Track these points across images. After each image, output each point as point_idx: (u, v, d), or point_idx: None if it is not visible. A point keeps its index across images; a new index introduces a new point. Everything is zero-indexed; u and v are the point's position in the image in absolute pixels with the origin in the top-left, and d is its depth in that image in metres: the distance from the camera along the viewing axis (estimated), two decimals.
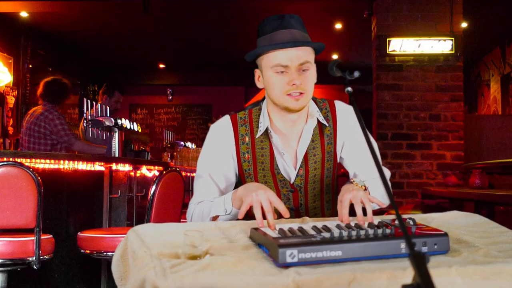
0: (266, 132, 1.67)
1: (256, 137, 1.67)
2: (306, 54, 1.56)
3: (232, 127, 1.70)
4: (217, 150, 1.70)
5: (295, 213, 1.71)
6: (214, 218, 1.58)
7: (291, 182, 1.69)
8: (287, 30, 1.56)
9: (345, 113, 1.73)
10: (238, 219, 1.70)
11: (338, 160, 1.77)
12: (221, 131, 1.71)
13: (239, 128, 1.70)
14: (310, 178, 1.70)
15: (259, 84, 1.68)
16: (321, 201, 1.74)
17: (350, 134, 1.72)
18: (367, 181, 1.62)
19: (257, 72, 1.67)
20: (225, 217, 1.56)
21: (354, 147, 1.72)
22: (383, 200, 1.59)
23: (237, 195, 1.49)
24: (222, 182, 1.69)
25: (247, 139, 1.69)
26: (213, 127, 1.74)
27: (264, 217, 1.29)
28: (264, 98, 1.73)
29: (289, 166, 1.68)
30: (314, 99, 1.73)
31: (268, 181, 1.68)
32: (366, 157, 1.70)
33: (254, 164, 1.68)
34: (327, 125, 1.70)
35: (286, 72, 1.56)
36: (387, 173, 1.77)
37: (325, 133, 1.70)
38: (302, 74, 1.56)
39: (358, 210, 1.31)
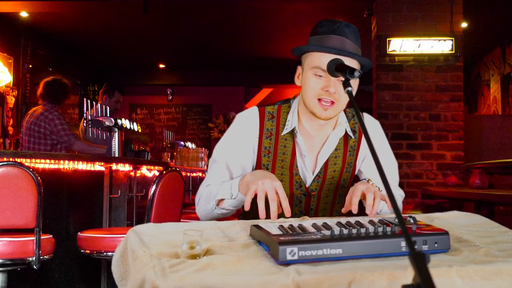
0: (292, 131, 1.66)
1: (281, 134, 1.66)
2: (350, 66, 1.53)
3: (258, 120, 1.68)
4: (240, 140, 1.68)
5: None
6: (220, 202, 1.58)
7: (307, 186, 1.68)
8: (338, 36, 1.55)
9: (372, 127, 1.74)
10: (244, 217, 1.70)
11: (356, 173, 1.77)
12: (247, 122, 1.69)
13: (266, 122, 1.68)
14: (325, 186, 1.70)
15: (297, 81, 1.66)
16: (331, 209, 1.75)
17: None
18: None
19: (298, 69, 1.66)
20: (230, 202, 1.55)
21: (373, 163, 1.72)
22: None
23: (244, 181, 1.49)
24: (237, 172, 1.68)
25: (271, 134, 1.68)
26: (240, 117, 1.72)
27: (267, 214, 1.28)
28: (294, 97, 1.72)
29: (307, 170, 1.68)
30: (344, 109, 1.73)
31: (284, 180, 1.68)
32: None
33: (274, 161, 1.68)
34: (352, 137, 1.70)
35: (324, 77, 1.54)
36: (402, 193, 1.78)
37: (349, 144, 1.70)
38: (339, 84, 1.53)
39: (370, 200, 1.31)
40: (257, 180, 1.35)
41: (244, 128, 1.69)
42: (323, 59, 1.53)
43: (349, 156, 1.71)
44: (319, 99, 1.55)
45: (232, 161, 1.67)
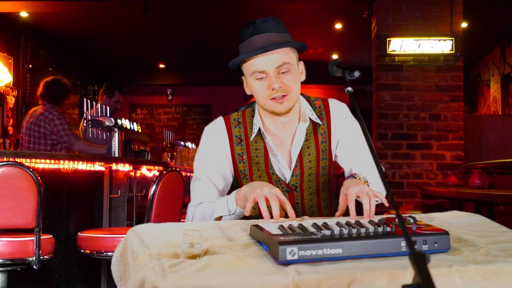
0: (260, 133, 1.67)
1: (251, 138, 1.68)
2: (283, 56, 1.55)
3: (226, 129, 1.70)
4: (213, 151, 1.70)
5: None
6: (218, 219, 1.58)
7: (287, 182, 1.69)
8: (260, 35, 1.56)
9: (339, 110, 1.73)
10: (244, 217, 1.71)
11: (333, 158, 1.77)
12: (215, 133, 1.71)
13: (233, 129, 1.70)
14: (305, 177, 1.70)
15: (247, 91, 1.68)
16: (317, 199, 1.74)
17: (345, 131, 1.72)
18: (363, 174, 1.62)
19: (244, 80, 1.68)
20: (229, 218, 1.55)
21: (349, 144, 1.72)
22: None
23: (241, 194, 1.49)
24: (220, 183, 1.69)
25: (241, 140, 1.69)
26: (207, 129, 1.74)
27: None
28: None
29: (283, 167, 1.68)
30: (307, 98, 1.74)
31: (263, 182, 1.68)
32: (361, 153, 1.70)
33: (250, 165, 1.69)
34: (320, 123, 1.70)
35: (265, 77, 1.56)
36: (383, 169, 1.76)
37: (319, 132, 1.70)
38: (281, 76, 1.55)
39: (366, 205, 1.30)
40: (256, 189, 1.36)
41: (214, 139, 1.70)
42: (255, 62, 1.56)
43: (321, 143, 1.71)
44: (272, 98, 1.57)
45: (212, 174, 1.68)
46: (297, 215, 1.70)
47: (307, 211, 1.72)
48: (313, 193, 1.73)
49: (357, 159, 1.71)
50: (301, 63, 1.66)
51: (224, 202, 1.55)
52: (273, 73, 1.55)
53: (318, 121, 1.69)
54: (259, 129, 1.67)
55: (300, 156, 1.68)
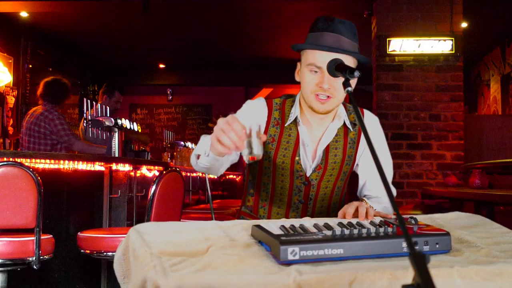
0: (295, 122, 1.71)
1: (285, 125, 1.71)
2: (344, 62, 1.55)
3: (267, 108, 1.74)
4: (248, 117, 1.67)
5: (303, 206, 1.75)
6: (198, 157, 1.59)
7: (307, 176, 1.72)
8: (333, 34, 1.58)
9: (371, 122, 1.78)
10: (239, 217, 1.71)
11: (354, 167, 1.81)
12: (257, 108, 1.75)
13: (273, 112, 1.74)
14: (325, 177, 1.74)
15: (297, 77, 1.71)
16: (329, 200, 1.79)
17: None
18: (371, 198, 1.72)
19: (298, 66, 1.70)
20: (205, 159, 1.54)
21: (371, 158, 1.74)
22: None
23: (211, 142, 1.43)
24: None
25: (278, 123, 1.73)
26: (250, 102, 1.77)
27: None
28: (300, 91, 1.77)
29: (308, 158, 1.72)
30: (344, 103, 1.78)
31: (285, 168, 1.72)
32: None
33: (277, 149, 1.72)
34: (352, 129, 1.74)
35: (319, 73, 1.59)
36: (393, 191, 1.79)
37: (349, 137, 1.75)
38: (334, 79, 1.57)
39: (362, 210, 1.33)
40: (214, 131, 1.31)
41: (254, 113, 1.73)
42: (317, 56, 1.58)
43: (349, 148, 1.75)
44: (316, 95, 1.60)
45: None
46: (307, 212, 1.74)
47: (316, 210, 1.76)
48: (327, 193, 1.77)
49: (374, 175, 1.76)
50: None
51: (208, 142, 1.49)
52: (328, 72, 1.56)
53: (350, 127, 1.74)
54: (296, 118, 1.70)
55: (327, 155, 1.72)
